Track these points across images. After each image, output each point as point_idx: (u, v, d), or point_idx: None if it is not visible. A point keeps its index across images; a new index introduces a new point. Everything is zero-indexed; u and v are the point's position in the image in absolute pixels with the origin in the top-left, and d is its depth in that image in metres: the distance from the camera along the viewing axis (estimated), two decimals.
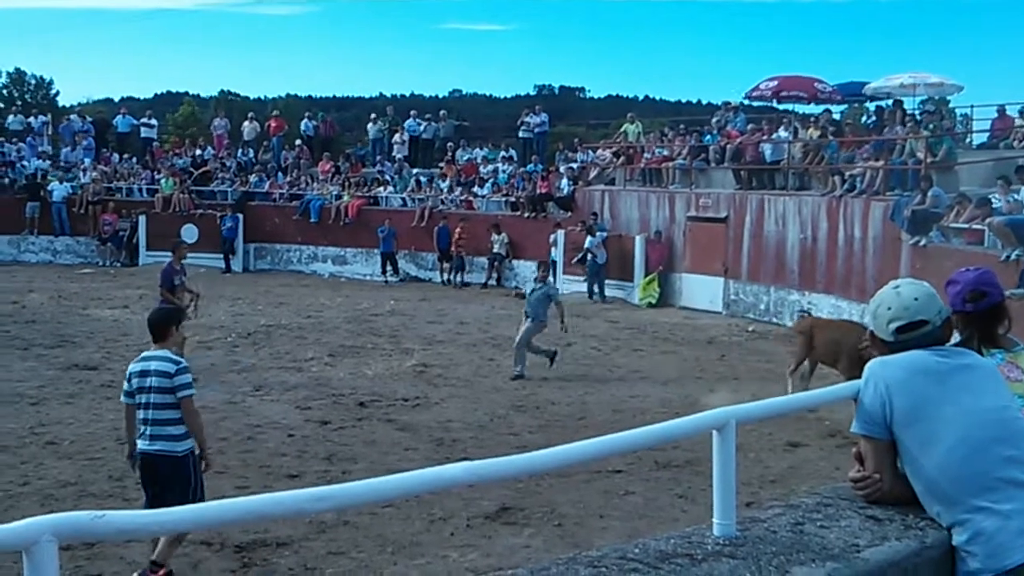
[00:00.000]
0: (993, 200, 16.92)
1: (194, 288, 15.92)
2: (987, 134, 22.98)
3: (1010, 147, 21.20)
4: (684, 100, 74.64)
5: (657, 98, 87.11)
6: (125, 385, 7.41)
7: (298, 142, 34.61)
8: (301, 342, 18.97)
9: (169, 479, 7.23)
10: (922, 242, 18.06)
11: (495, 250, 28.28)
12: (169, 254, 16.07)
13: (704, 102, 61.50)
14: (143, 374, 7.26)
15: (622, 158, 28.27)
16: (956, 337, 3.36)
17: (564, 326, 16.54)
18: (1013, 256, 15.12)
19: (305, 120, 36.11)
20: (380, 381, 15.70)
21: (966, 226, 17.31)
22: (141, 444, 7.32)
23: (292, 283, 28.26)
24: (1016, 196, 16.61)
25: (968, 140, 23.47)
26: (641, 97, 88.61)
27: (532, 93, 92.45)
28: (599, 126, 46.19)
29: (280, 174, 33.19)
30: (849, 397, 3.46)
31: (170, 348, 7.50)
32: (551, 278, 17.74)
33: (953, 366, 3.13)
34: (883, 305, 3.24)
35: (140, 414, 7.30)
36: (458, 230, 28.43)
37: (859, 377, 3.28)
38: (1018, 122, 22.07)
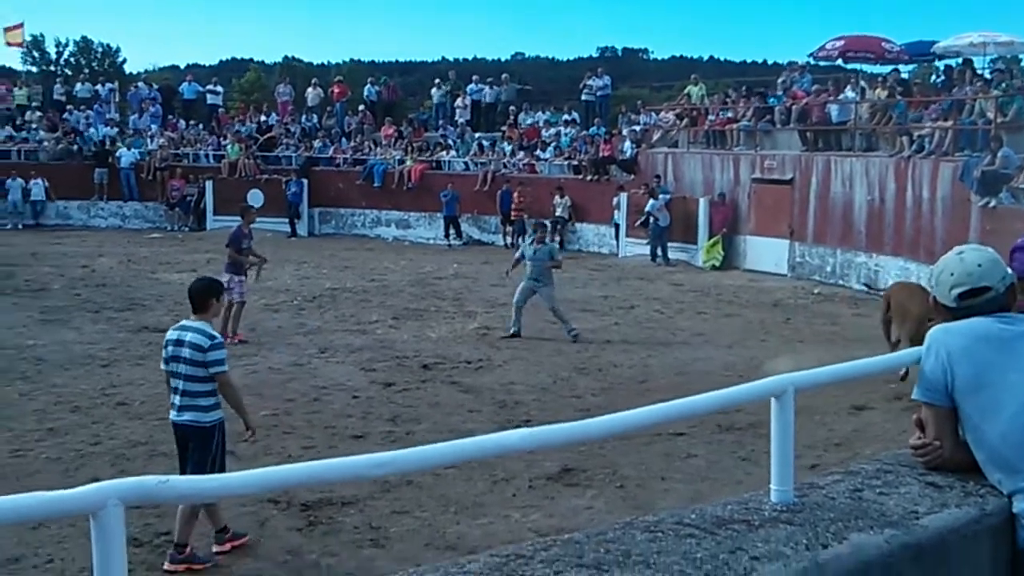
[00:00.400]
0: None
1: (260, 253, 16.18)
2: None
3: None
4: (749, 60, 73.78)
5: (722, 59, 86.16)
6: (163, 352, 7.47)
7: (361, 107, 34.76)
8: (365, 305, 19.15)
9: (195, 448, 7.31)
10: (992, 203, 17.76)
11: (558, 213, 28.22)
12: (237, 218, 16.29)
13: (770, 62, 60.75)
14: (179, 343, 7.28)
15: (685, 120, 28.02)
16: None
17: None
18: None
19: (368, 85, 36.21)
20: (443, 344, 15.80)
21: None
22: (172, 415, 7.40)
23: (356, 247, 28.48)
24: None
25: None
26: (705, 58, 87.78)
27: (595, 55, 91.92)
28: (663, 88, 45.73)
29: (344, 139, 33.39)
30: (912, 363, 3.43)
31: (209, 320, 7.53)
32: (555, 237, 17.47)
33: (1017, 333, 3.09)
34: (946, 271, 3.20)
35: (172, 383, 7.36)
36: (516, 194, 28.40)
37: (920, 343, 3.26)
38: None
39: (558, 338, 16.28)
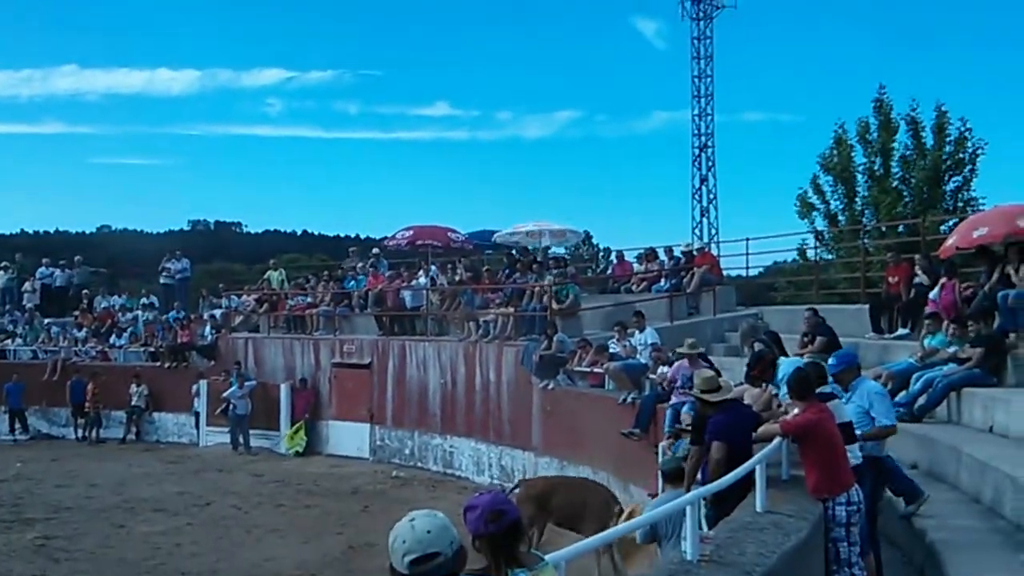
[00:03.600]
0: (611, 345, 17.99)
1: None
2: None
3: (629, 291, 22.73)
4: (343, 234, 74.74)
5: (315, 232, 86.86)
6: None
7: None
8: None
9: None
10: (550, 385, 18.90)
11: (134, 403, 27.07)
12: None
13: (363, 236, 61.86)
14: None
15: (265, 305, 28.01)
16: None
17: None
18: (629, 399, 16.07)
19: None
20: None
21: (589, 369, 18.25)
22: None
23: None
24: (631, 341, 17.74)
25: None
26: (299, 231, 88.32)
27: (186, 228, 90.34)
28: (256, 261, 45.65)
29: None
30: None
31: None
32: None
33: None
34: (399, 539, 3.30)
35: None
36: (90, 387, 27.05)
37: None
38: (636, 267, 23.71)
39: (124, 544, 15.59)
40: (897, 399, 12.43)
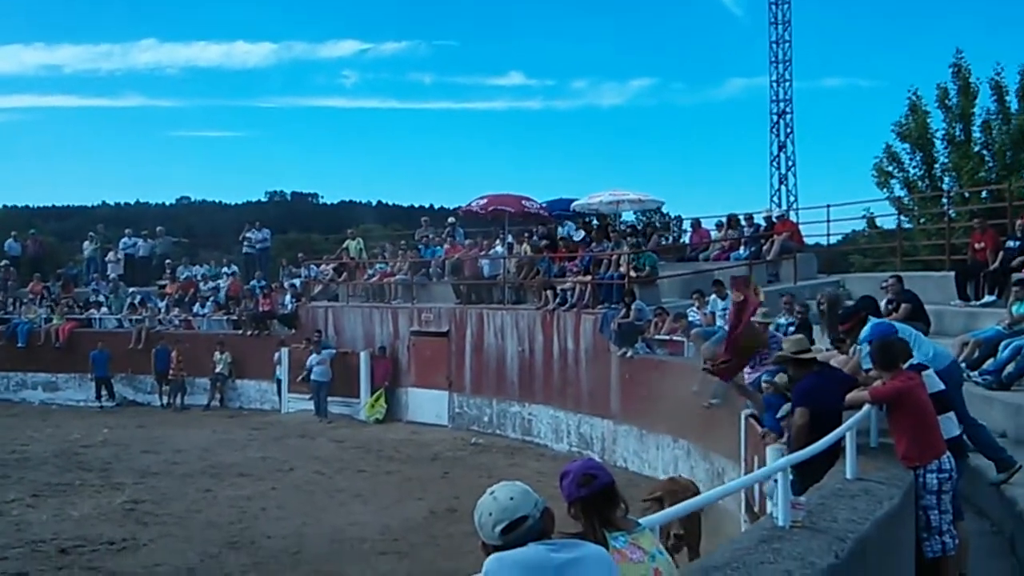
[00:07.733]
0: (689, 313, 17.91)
1: None
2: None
3: (708, 259, 22.59)
4: (417, 205, 75.05)
5: (390, 203, 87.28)
6: None
7: (4, 263, 32.62)
8: (2, 482, 17.87)
9: None
10: (628, 353, 18.86)
11: (218, 370, 27.55)
12: None
13: (437, 207, 61.94)
14: None
15: (344, 274, 28.30)
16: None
17: None
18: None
19: (10, 240, 33.92)
20: (86, 523, 15.01)
21: (667, 337, 18.20)
22: None
23: None
24: (709, 308, 17.64)
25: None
26: (374, 202, 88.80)
27: (263, 200, 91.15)
28: (331, 231, 46.09)
29: None
30: None
31: None
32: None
33: (565, 560, 3.26)
34: (484, 513, 3.32)
35: None
36: (174, 353, 27.60)
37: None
38: (714, 235, 23.51)
39: (210, 508, 15.87)
40: (985, 367, 12.26)
